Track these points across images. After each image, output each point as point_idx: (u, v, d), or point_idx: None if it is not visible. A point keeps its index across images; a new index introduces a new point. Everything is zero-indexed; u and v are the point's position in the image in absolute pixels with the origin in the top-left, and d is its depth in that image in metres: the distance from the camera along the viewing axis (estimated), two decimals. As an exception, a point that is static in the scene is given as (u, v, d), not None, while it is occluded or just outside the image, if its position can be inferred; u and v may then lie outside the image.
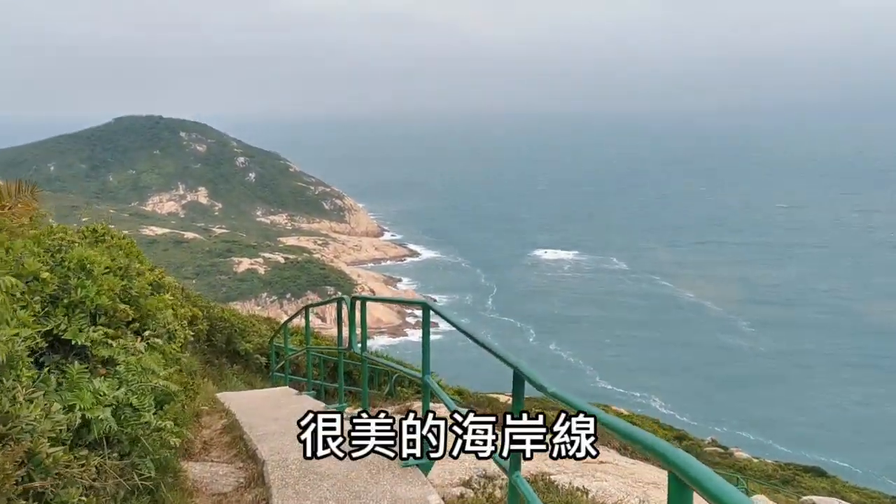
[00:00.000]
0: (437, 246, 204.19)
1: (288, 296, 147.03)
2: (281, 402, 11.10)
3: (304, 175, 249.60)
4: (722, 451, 38.15)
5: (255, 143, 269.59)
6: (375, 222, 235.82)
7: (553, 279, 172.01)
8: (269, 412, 10.48)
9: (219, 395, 12.07)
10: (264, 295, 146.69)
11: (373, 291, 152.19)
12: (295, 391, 12.29)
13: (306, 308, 12.98)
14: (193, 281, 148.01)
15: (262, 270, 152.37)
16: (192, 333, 10.84)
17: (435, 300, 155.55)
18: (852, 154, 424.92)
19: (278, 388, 12.97)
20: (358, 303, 9.68)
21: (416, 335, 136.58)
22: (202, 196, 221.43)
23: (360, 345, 9.56)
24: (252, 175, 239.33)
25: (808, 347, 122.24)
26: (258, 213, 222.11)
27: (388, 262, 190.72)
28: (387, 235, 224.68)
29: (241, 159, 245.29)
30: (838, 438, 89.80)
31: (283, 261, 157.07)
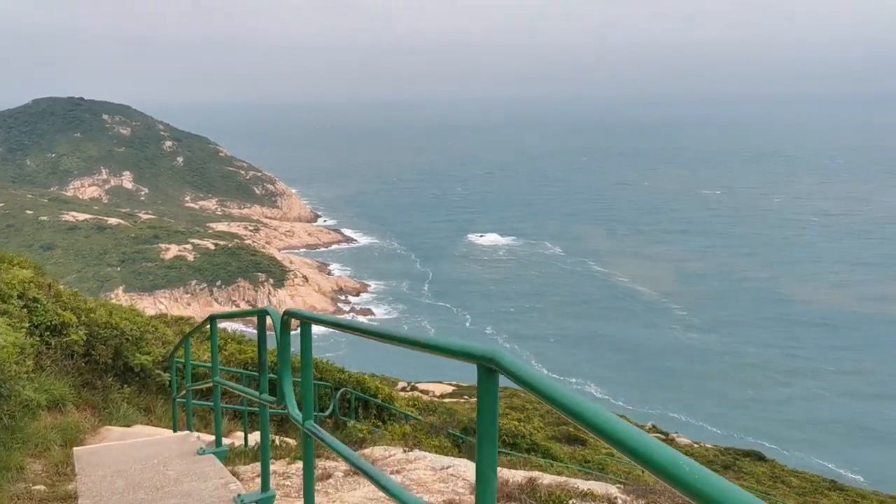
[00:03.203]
0: (373, 232, 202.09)
1: (218, 283, 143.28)
2: (167, 476, 7.29)
3: (234, 159, 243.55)
4: (662, 436, 38.08)
5: (183, 127, 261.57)
6: (309, 207, 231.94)
7: (488, 264, 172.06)
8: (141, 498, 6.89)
9: (80, 448, 8.15)
10: (193, 282, 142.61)
11: (306, 278, 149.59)
12: (197, 444, 8.48)
13: (212, 320, 8.81)
14: (118, 269, 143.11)
15: (191, 257, 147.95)
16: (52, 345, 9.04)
17: (370, 286, 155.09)
18: (790, 142, 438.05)
19: (173, 437, 9.16)
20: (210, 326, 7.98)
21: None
22: (127, 180, 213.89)
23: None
24: (180, 159, 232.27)
25: (739, 331, 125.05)
26: (187, 198, 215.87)
27: (322, 249, 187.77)
28: (321, 221, 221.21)
29: (169, 143, 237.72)
30: (768, 420, 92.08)
31: (213, 247, 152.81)
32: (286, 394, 4.58)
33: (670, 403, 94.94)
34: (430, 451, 9.01)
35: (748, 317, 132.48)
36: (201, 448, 7.73)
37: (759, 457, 35.31)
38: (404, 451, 7.87)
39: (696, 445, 36.63)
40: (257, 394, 5.67)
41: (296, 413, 4.49)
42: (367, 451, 8.32)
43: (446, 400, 35.65)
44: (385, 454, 7.98)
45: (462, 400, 35.16)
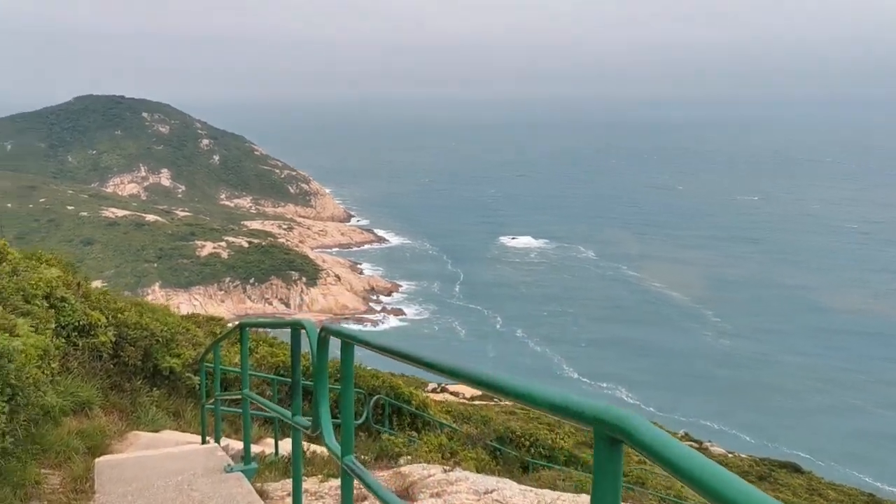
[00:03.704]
0: (405, 232, 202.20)
1: (252, 280, 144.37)
2: (191, 497, 6.73)
3: (269, 158, 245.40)
4: (696, 445, 37.21)
5: (219, 125, 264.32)
6: (342, 207, 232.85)
7: (520, 266, 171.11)
8: None
9: (102, 460, 7.61)
10: (227, 279, 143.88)
11: (338, 277, 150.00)
12: (225, 459, 7.93)
13: (242, 328, 8.01)
14: (155, 265, 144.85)
15: (225, 254, 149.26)
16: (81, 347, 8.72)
17: (401, 286, 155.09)
18: (823, 147, 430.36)
19: (200, 451, 8.46)
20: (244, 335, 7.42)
21: (384, 323, 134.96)
22: (165, 178, 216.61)
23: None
24: (216, 157, 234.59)
25: (774, 339, 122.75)
26: (222, 196, 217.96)
27: (355, 248, 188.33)
28: (353, 221, 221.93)
29: (206, 141, 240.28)
30: (802, 430, 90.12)
31: (246, 245, 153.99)
32: (323, 421, 4.04)
33: (703, 411, 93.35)
34: (470, 470, 8.53)
35: (784, 324, 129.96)
36: (229, 465, 7.21)
37: (795, 468, 34.32)
38: (444, 471, 7.39)
39: (730, 455, 35.73)
40: (290, 415, 5.12)
41: (333, 445, 3.95)
42: (404, 469, 7.79)
43: (477, 402, 35.20)
44: (423, 474, 7.47)
45: (493, 402, 34.67)
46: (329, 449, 3.91)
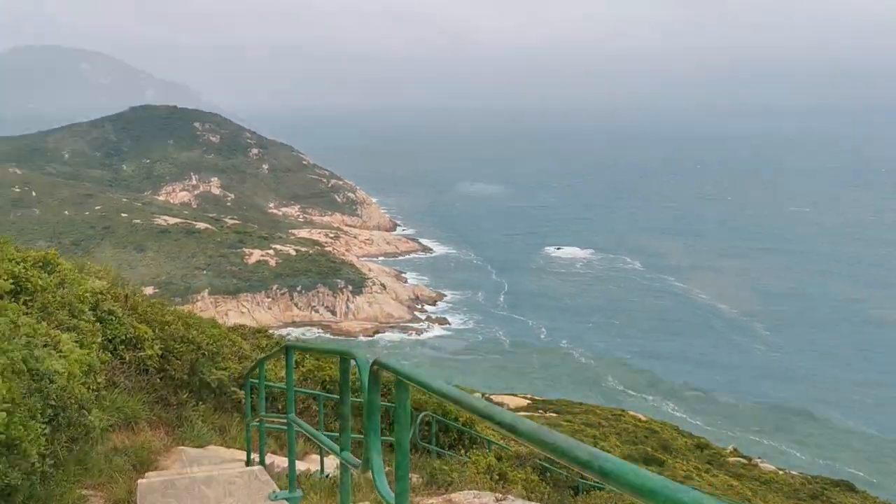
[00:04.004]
0: (450, 242, 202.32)
1: (299, 288, 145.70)
2: None
3: (317, 167, 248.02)
4: (745, 461, 36.20)
5: (268, 134, 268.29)
6: (388, 216, 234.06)
7: (566, 277, 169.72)
8: None
9: (144, 482, 7.27)
10: (275, 287, 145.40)
11: (383, 286, 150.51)
12: (270, 485, 7.50)
13: (287, 351, 7.44)
14: (205, 271, 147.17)
15: (272, 262, 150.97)
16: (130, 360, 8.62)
17: (446, 296, 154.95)
18: (867, 157, 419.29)
19: (245, 473, 7.92)
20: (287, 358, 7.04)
21: (429, 332, 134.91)
22: (215, 186, 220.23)
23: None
24: (265, 167, 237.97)
25: (824, 353, 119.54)
26: (270, 204, 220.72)
27: (400, 257, 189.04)
28: (399, 230, 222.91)
29: (255, 151, 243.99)
30: (854, 447, 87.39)
31: (294, 253, 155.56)
32: (374, 465, 3.71)
33: (753, 427, 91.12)
34: (519, 492, 8.20)
35: (835, 339, 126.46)
36: (274, 492, 6.95)
37: (849, 487, 33.08)
38: (496, 501, 7.05)
39: (780, 472, 34.62)
40: (338, 449, 4.80)
41: (386, 492, 3.59)
42: (454, 496, 7.45)
43: (522, 413, 34.74)
44: (475, 502, 7.14)
45: (538, 414, 34.16)
46: (380, 494, 3.59)
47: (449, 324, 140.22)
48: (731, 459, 35.29)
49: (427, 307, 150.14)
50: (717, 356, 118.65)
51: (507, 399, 40.18)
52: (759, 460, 37.37)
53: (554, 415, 35.88)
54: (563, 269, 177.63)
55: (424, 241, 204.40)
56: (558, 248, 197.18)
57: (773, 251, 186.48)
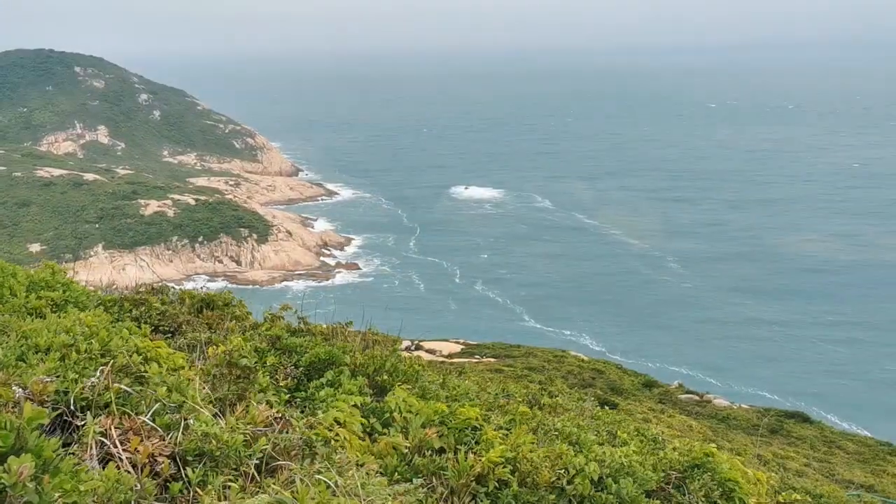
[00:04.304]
0: (357, 185, 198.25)
1: (200, 239, 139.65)
2: None
3: (212, 113, 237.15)
4: (697, 398, 35.67)
5: (158, 79, 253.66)
6: (290, 161, 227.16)
7: (477, 218, 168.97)
8: None
9: None
10: (175, 238, 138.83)
11: (289, 233, 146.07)
12: None
13: None
14: (97, 225, 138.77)
15: (171, 213, 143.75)
16: None
17: (355, 240, 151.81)
18: (782, 93, 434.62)
19: None
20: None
21: (339, 278, 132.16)
22: (102, 135, 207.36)
23: None
24: (157, 113, 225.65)
25: (730, 282, 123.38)
26: (165, 152, 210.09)
27: (305, 203, 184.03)
28: (303, 175, 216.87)
29: (145, 96, 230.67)
30: (767, 370, 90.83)
31: (193, 202, 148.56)
32: None
33: (670, 357, 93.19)
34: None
35: (740, 267, 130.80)
36: None
37: (804, 418, 33.08)
38: None
39: (735, 406, 34.33)
40: None
41: None
42: None
43: (456, 360, 32.95)
44: None
45: (475, 360, 32.45)
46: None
47: (360, 269, 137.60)
48: (682, 396, 34.74)
49: (336, 253, 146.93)
50: (631, 291, 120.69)
51: (440, 345, 38.32)
52: (710, 396, 37.00)
53: (492, 360, 34.30)
54: (474, 210, 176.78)
55: (330, 186, 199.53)
56: (466, 188, 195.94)
57: (681, 188, 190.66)
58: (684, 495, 6.00)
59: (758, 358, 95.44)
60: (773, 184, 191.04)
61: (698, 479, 6.06)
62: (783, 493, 7.39)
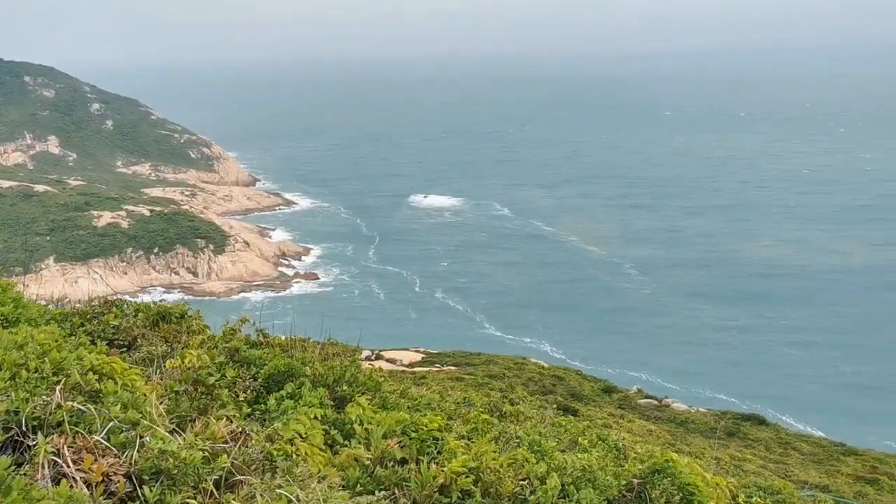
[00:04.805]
0: (315, 194, 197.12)
1: (156, 250, 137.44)
2: None
3: (167, 122, 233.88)
4: (656, 402, 36.09)
5: (111, 88, 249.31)
6: (247, 171, 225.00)
7: (436, 226, 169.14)
8: None
9: None
10: (129, 250, 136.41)
11: (247, 243, 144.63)
12: None
13: None
14: (48, 237, 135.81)
15: (125, 224, 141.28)
16: None
17: (314, 250, 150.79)
18: (739, 102, 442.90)
19: None
20: None
21: (298, 288, 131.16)
22: (53, 145, 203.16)
23: None
24: (109, 123, 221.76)
25: (687, 287, 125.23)
26: (118, 163, 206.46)
27: (263, 213, 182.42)
28: (260, 185, 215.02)
29: (97, 106, 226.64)
30: (725, 373, 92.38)
31: (148, 213, 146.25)
32: None
33: (628, 363, 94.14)
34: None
35: (698, 272, 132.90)
36: None
37: (760, 420, 33.71)
38: None
39: (693, 410, 34.83)
40: None
41: None
42: None
43: (417, 369, 32.89)
44: None
45: (435, 368, 32.43)
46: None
47: (318, 278, 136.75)
48: (642, 401, 35.14)
49: (294, 263, 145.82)
50: (591, 298, 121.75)
51: (400, 354, 38.16)
52: (669, 401, 37.48)
53: (453, 368, 34.32)
54: (433, 218, 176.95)
55: (288, 195, 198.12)
56: (426, 197, 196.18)
57: (638, 195, 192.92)
58: (645, 502, 6.05)
59: (715, 362, 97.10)
60: (727, 190, 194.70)
61: (659, 485, 6.12)
62: (741, 496, 7.51)
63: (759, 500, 7.63)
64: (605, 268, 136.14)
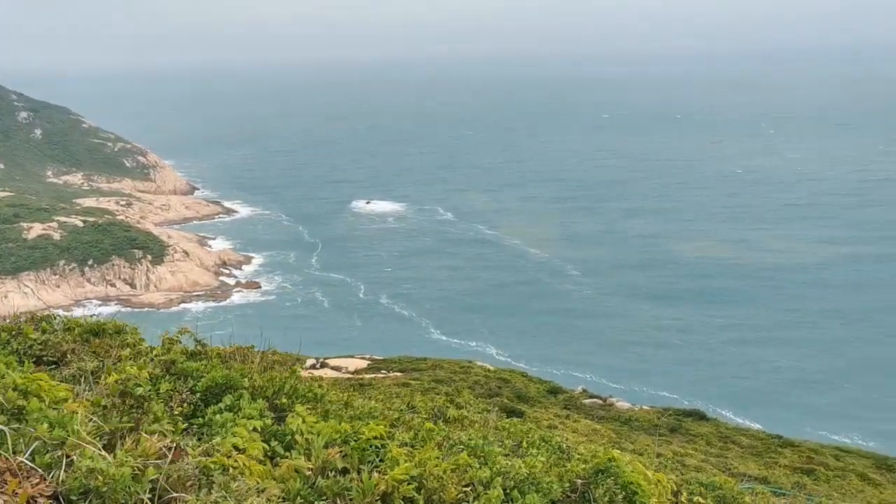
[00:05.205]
0: (255, 202, 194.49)
1: (90, 262, 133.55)
2: None
3: (100, 131, 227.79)
4: (601, 402, 36.58)
5: (39, 97, 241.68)
6: (185, 179, 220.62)
7: (379, 232, 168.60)
8: None
9: None
10: (62, 262, 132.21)
11: (186, 253, 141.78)
12: None
13: None
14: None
15: (57, 235, 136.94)
16: None
17: (255, 258, 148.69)
18: (672, 103, 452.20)
19: None
20: None
21: (240, 298, 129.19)
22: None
23: None
24: (38, 131, 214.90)
25: (628, 288, 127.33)
26: (48, 173, 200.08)
27: (202, 221, 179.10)
28: (199, 193, 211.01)
29: (24, 114, 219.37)
30: (667, 371, 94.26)
31: (81, 224, 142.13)
32: None
33: (572, 364, 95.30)
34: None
35: (640, 272, 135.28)
36: None
37: (700, 416, 34.46)
38: None
39: (636, 408, 35.41)
40: None
41: None
42: None
43: (364, 375, 32.67)
44: None
45: (380, 375, 32.25)
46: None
47: (261, 287, 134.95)
48: (587, 401, 35.58)
49: (236, 272, 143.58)
50: (533, 299, 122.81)
51: (346, 361, 37.82)
52: (613, 400, 38.04)
53: (399, 374, 34.18)
54: (376, 223, 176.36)
55: (227, 203, 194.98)
56: (368, 202, 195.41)
57: (578, 198, 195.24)
58: (589, 502, 6.09)
59: (657, 360, 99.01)
60: (665, 192, 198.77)
61: (602, 485, 6.17)
62: (683, 493, 7.63)
63: (699, 497, 7.77)
64: (547, 270, 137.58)
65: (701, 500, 7.80)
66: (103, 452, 4.22)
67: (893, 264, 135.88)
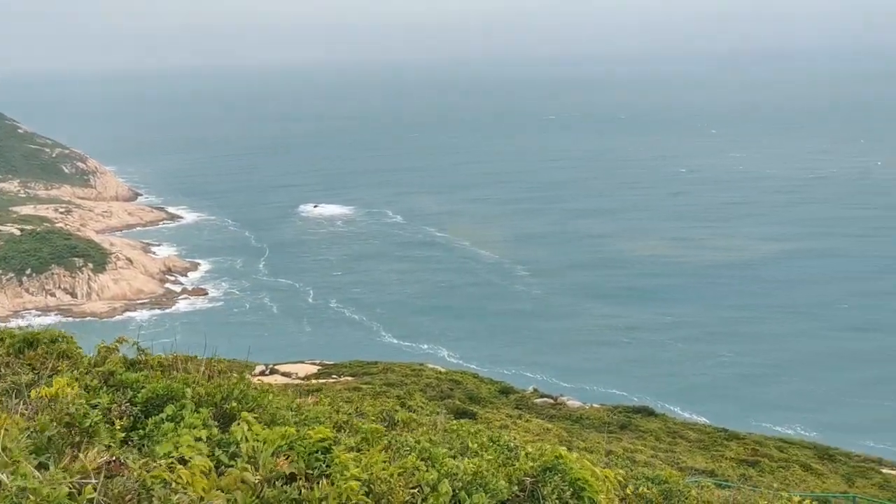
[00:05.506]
0: (201, 208, 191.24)
1: (28, 271, 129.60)
2: None
3: (37, 136, 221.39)
4: (552, 401, 36.87)
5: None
6: (127, 185, 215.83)
7: (328, 236, 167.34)
8: None
9: None
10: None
11: (130, 260, 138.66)
12: None
13: None
14: None
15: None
16: None
17: (201, 265, 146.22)
18: (625, 105, 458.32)
19: None
20: None
21: (185, 305, 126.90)
22: None
23: None
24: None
25: (578, 288, 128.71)
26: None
27: (146, 228, 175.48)
28: (142, 199, 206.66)
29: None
30: (616, 369, 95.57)
31: (18, 232, 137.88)
32: None
33: (522, 364, 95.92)
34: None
35: (589, 272, 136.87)
36: None
37: (649, 412, 35.02)
38: None
39: (587, 406, 35.80)
40: None
41: None
42: None
43: (314, 381, 32.36)
44: None
45: (331, 380, 31.98)
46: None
47: (207, 294, 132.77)
48: (538, 401, 35.84)
49: (182, 279, 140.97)
50: (485, 301, 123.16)
51: (296, 367, 37.36)
52: (564, 399, 38.35)
53: (350, 378, 33.93)
54: (324, 227, 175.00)
55: (172, 209, 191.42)
56: (315, 206, 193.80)
57: (526, 199, 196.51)
58: (538, 500, 6.11)
59: (607, 359, 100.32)
60: (611, 192, 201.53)
61: (550, 482, 6.20)
62: (630, 487, 7.73)
63: (645, 489, 7.90)
64: (497, 271, 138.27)
65: (647, 491, 7.92)
66: (35, 472, 4.07)
67: (832, 260, 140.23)
